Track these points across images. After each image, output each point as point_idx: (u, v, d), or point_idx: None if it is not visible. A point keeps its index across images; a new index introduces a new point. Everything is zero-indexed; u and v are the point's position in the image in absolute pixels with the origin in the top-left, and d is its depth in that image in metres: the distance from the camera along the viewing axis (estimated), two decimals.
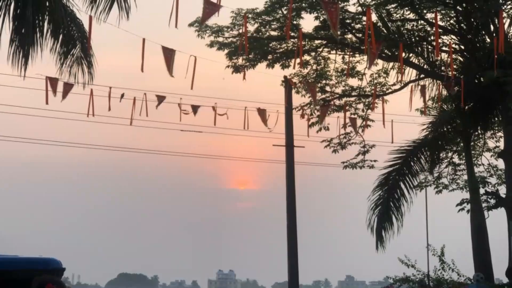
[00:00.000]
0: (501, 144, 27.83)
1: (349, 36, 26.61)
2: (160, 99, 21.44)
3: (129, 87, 22.49)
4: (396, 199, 26.47)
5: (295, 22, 25.49)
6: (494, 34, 24.14)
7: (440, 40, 25.45)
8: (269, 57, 26.99)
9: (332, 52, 27.60)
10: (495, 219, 26.10)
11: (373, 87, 27.21)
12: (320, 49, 27.51)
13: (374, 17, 24.82)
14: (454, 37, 26.52)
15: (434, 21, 21.38)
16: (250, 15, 25.76)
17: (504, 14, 24.70)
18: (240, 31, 26.10)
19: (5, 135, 29.94)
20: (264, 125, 23.29)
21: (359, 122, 27.32)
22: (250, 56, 26.60)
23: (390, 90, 27.72)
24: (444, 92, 25.30)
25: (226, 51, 26.83)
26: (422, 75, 26.95)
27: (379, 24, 25.46)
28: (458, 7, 25.43)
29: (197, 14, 24.27)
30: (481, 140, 29.43)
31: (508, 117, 25.18)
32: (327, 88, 27.94)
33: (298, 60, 24.16)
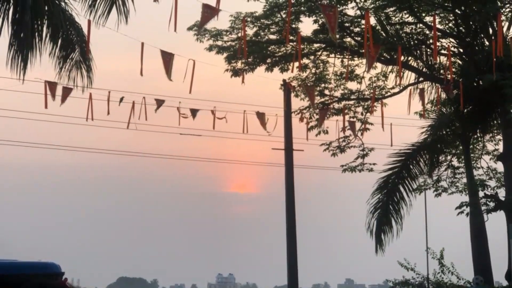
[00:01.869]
0: (500, 147, 27.86)
1: (348, 39, 26.64)
2: (159, 102, 21.44)
3: (128, 91, 22.49)
4: (395, 202, 26.47)
5: (294, 26, 25.50)
6: (492, 37, 24.15)
7: (438, 43, 25.49)
8: (268, 60, 27.01)
9: (331, 55, 27.63)
10: (495, 222, 26.12)
11: (372, 91, 27.23)
12: (319, 53, 27.53)
13: (372, 21, 24.84)
14: (452, 40, 26.55)
15: (432, 24, 21.37)
16: (249, 19, 25.78)
17: (503, 17, 24.72)
18: (239, 34, 26.11)
19: (4, 139, 29.93)
20: (263, 128, 23.28)
21: (358, 125, 27.34)
22: (249, 59, 26.62)
23: (389, 94, 27.75)
24: (443, 95, 25.31)
25: (225, 54, 26.87)
26: (421, 78, 26.97)
27: (378, 27, 25.49)
28: (456, 10, 25.45)
29: (196, 18, 24.31)
30: (480, 143, 29.44)
31: (506, 120, 25.20)
32: (326, 92, 27.96)
33: (297, 64, 24.19)
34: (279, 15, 25.92)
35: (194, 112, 22.81)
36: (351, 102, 28.15)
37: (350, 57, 26.89)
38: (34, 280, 9.48)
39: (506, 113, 25.10)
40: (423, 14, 25.90)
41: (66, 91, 19.01)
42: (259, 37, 26.61)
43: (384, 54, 25.61)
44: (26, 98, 25.34)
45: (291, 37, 25.19)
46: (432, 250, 26.79)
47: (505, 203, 25.09)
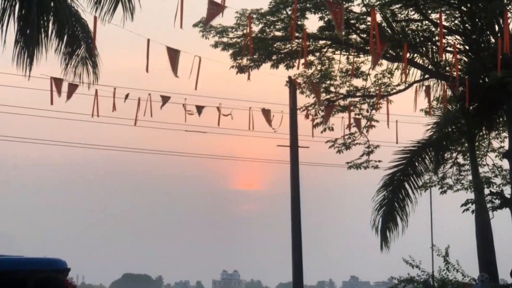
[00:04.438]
0: (506, 145, 27.82)
1: (354, 36, 26.63)
2: (165, 99, 21.44)
3: (134, 88, 22.50)
4: (400, 200, 26.45)
5: (299, 23, 25.50)
6: (498, 34, 24.13)
7: (444, 41, 25.45)
8: (274, 57, 27.00)
9: (336, 52, 27.61)
10: (500, 219, 26.10)
11: (377, 88, 27.21)
12: (325, 50, 27.51)
13: (378, 18, 24.83)
14: (458, 37, 26.53)
15: (438, 21, 21.36)
16: (254, 16, 25.77)
17: (509, 14, 24.64)
18: (245, 31, 26.10)
19: (10, 135, 30.01)
20: (268, 125, 23.27)
21: (363, 122, 27.33)
22: (254, 56, 26.61)
23: (394, 91, 27.74)
24: (449, 93, 25.28)
25: (230, 51, 26.86)
26: (426, 76, 26.95)
27: (384, 24, 25.47)
28: (462, 7, 25.43)
29: (201, 14, 24.31)
30: (485, 140, 29.40)
31: None
32: (332, 89, 27.95)
33: (302, 61, 24.17)
34: (284, 12, 25.91)
35: (199, 109, 22.82)
36: (357, 99, 28.15)
37: (355, 54, 26.87)
38: (40, 276, 9.50)
39: (511, 110, 25.05)
40: (429, 11, 25.87)
41: (72, 88, 19.02)
42: (264, 34, 26.60)
43: (390, 51, 25.59)
44: (32, 95, 25.44)
45: (296, 34, 25.17)
46: (437, 247, 26.77)
47: (511, 200, 25.07)
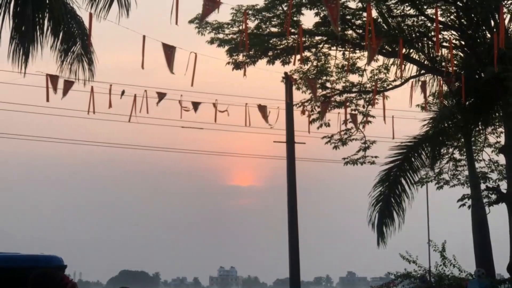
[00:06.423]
0: (502, 140, 27.84)
1: (350, 32, 26.62)
2: (161, 96, 21.42)
3: (130, 84, 22.47)
4: (397, 195, 26.47)
5: (295, 19, 25.48)
6: (494, 30, 24.13)
7: (440, 36, 25.45)
8: (270, 53, 26.98)
9: (332, 48, 27.60)
10: (496, 214, 26.13)
11: (373, 83, 27.21)
12: (321, 46, 27.50)
13: (374, 13, 24.81)
14: (454, 32, 26.53)
15: (434, 16, 21.36)
16: (250, 12, 25.75)
17: (504, 10, 24.67)
18: (241, 27, 26.10)
19: (6, 132, 29.97)
20: (265, 121, 23.26)
21: (359, 118, 27.32)
22: (250, 52, 26.58)
23: (390, 86, 27.73)
24: (445, 88, 25.28)
25: (226, 47, 26.85)
26: (422, 71, 26.96)
27: (380, 20, 25.46)
28: (458, 2, 25.44)
29: (197, 10, 24.24)
30: (482, 135, 29.42)
31: (508, 113, 25.16)
32: (328, 84, 27.94)
33: (298, 57, 24.18)
34: (280, 8, 25.89)
35: (195, 105, 22.80)
36: (353, 94, 28.14)
37: (351, 49, 26.86)
38: (36, 273, 9.47)
39: (508, 106, 25.06)
40: (425, 7, 25.86)
41: (68, 84, 19.00)
42: (260, 30, 26.58)
43: (386, 46, 25.58)
44: (27, 91, 25.40)
45: (292, 30, 25.16)
46: (434, 243, 26.77)
47: (507, 195, 25.09)
